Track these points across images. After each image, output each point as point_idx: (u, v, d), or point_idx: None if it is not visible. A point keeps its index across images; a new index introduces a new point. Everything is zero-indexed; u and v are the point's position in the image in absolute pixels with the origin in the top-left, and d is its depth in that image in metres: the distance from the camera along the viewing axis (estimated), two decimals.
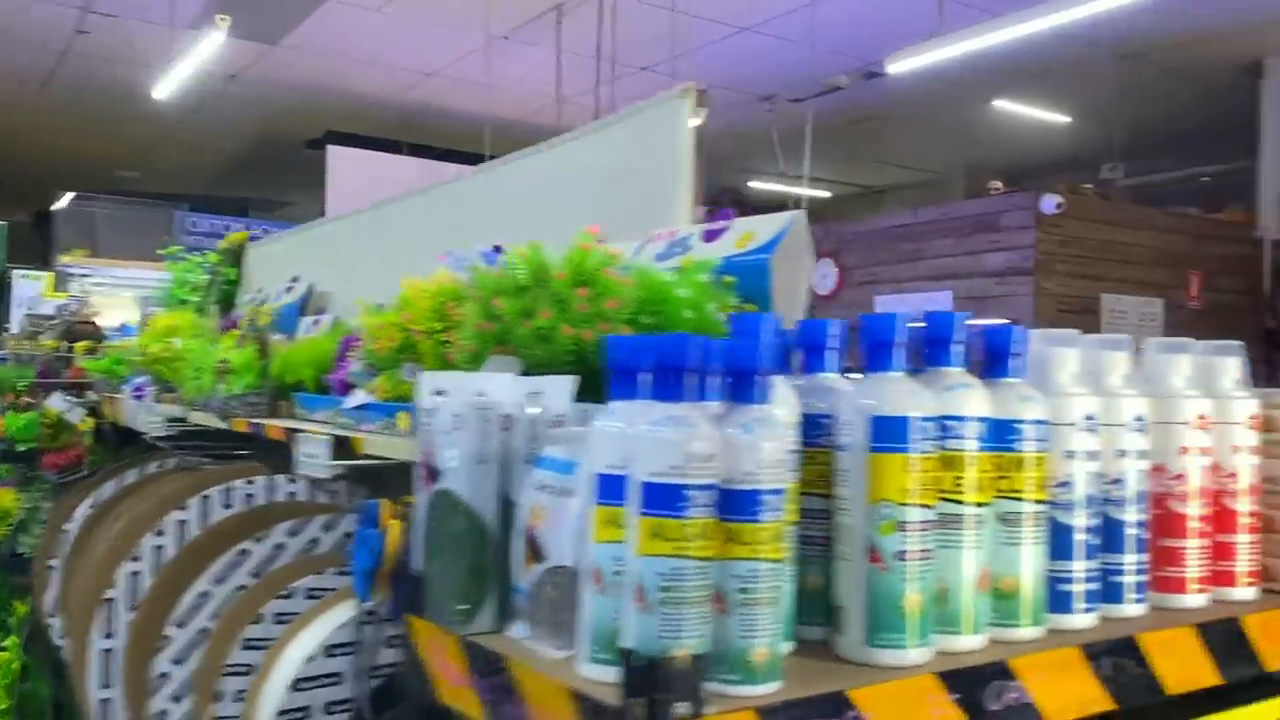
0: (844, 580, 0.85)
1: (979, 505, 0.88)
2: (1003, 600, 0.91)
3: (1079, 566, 0.96)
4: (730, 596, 0.75)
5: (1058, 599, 0.96)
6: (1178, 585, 1.05)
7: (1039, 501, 0.93)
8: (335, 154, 8.28)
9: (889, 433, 0.83)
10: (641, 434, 0.73)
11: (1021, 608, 0.91)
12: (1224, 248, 6.39)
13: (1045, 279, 5.57)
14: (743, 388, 0.77)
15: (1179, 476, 1.05)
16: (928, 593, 0.84)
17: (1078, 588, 0.96)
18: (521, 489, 0.90)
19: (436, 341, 1.25)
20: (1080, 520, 0.97)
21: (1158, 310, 5.99)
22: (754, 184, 10.48)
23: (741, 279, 1.18)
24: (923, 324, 0.91)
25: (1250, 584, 1.09)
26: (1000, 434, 0.91)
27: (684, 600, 0.72)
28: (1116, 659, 0.93)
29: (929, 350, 0.91)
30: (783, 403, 0.85)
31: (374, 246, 2.35)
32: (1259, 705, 1.07)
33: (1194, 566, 1.06)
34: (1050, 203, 5.52)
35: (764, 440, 0.75)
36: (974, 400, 0.88)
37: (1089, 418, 0.97)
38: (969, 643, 0.88)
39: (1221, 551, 1.08)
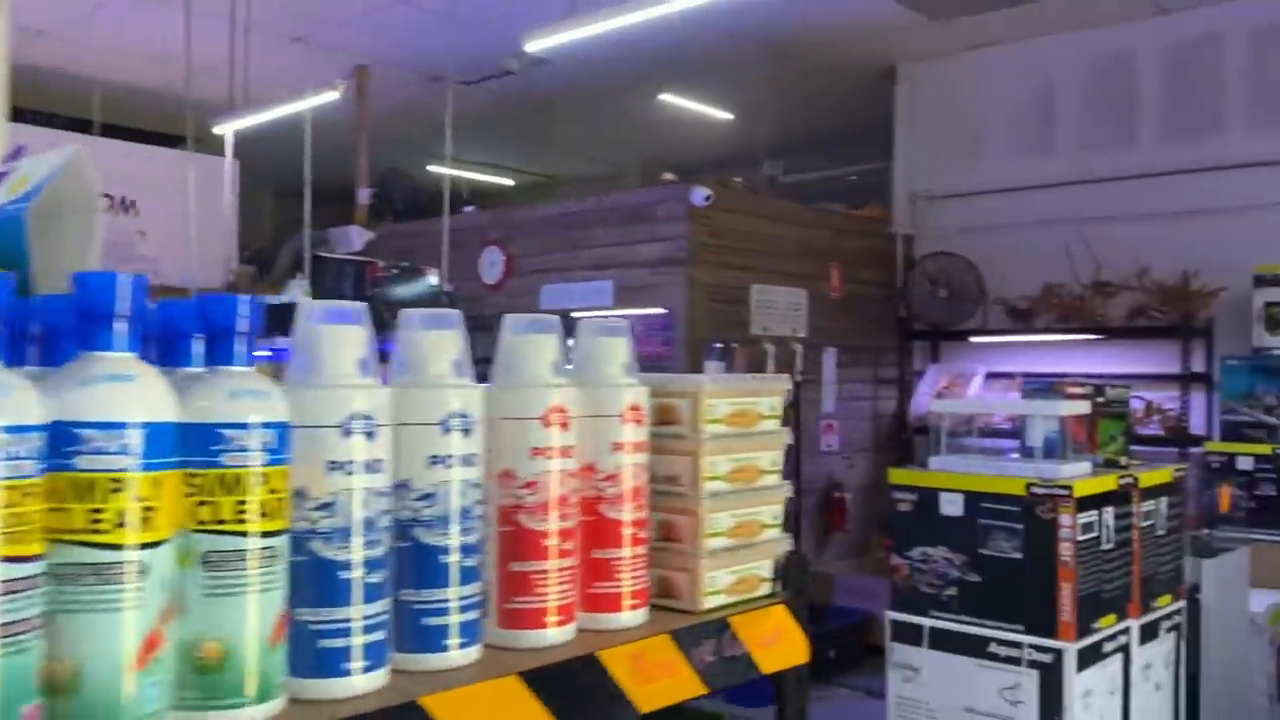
0: None
1: (146, 546, 0.63)
2: (209, 674, 0.66)
3: (355, 614, 0.74)
4: None
5: (323, 659, 0.72)
6: (533, 619, 0.86)
7: (271, 533, 0.69)
8: None
9: None
10: None
11: (243, 680, 0.67)
12: (862, 242, 6.76)
13: (696, 269, 5.62)
14: None
15: (531, 484, 0.85)
16: (23, 682, 0.57)
17: (356, 641, 0.73)
18: None
19: None
20: (355, 553, 0.74)
21: (802, 300, 6.24)
22: (433, 169, 10.08)
23: None
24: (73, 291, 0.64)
25: (636, 606, 0.92)
26: (196, 443, 0.66)
27: None
28: None
29: (80, 330, 0.64)
30: None
31: None
32: None
33: (554, 593, 0.86)
34: (699, 195, 5.58)
35: None
36: (134, 398, 0.62)
37: (364, 417, 0.74)
38: None
39: (598, 570, 0.90)
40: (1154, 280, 5.80)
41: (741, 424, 0.99)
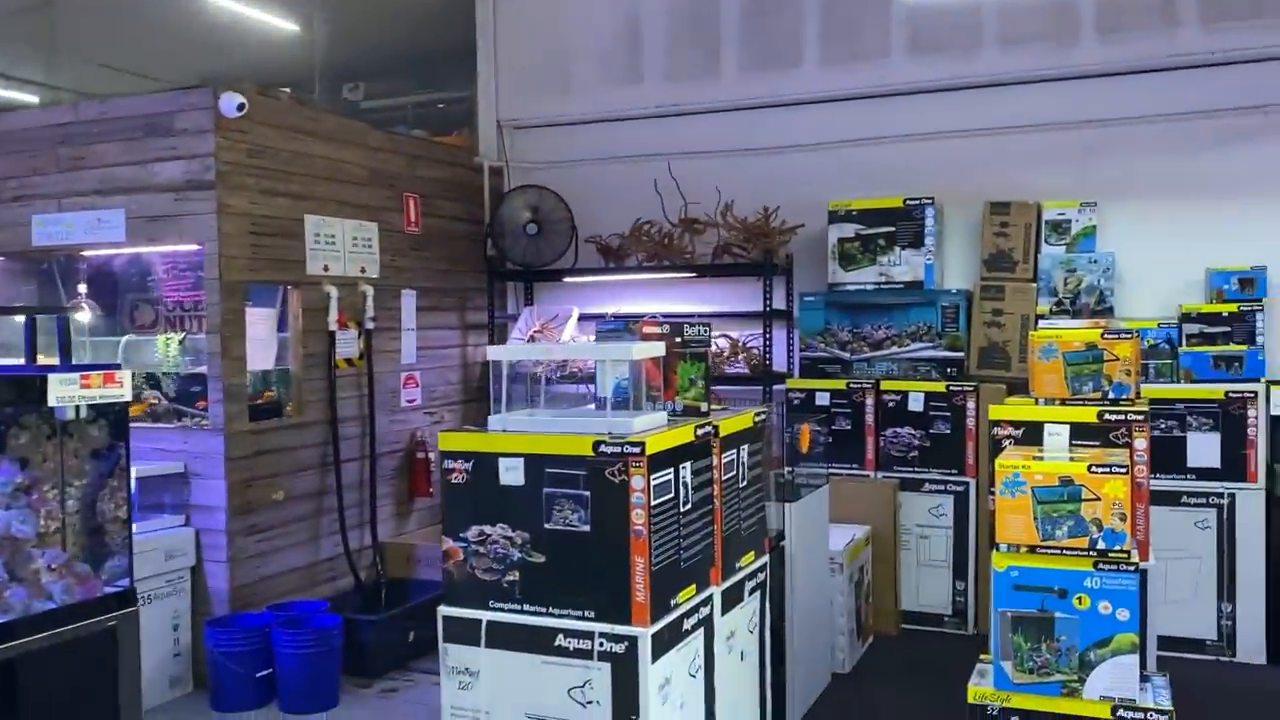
0: None
1: None
2: None
3: None
4: None
5: None
6: None
7: None
8: None
9: None
10: None
11: None
12: (444, 172, 6.06)
13: (232, 196, 4.62)
14: None
15: None
16: None
17: None
18: None
19: None
20: None
21: (373, 235, 5.42)
22: None
23: None
24: None
25: None
26: None
27: None
28: None
29: None
30: None
31: None
32: None
33: None
34: (231, 103, 4.56)
35: None
36: None
37: None
38: None
39: None
40: (737, 217, 5.64)
41: None
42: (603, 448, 2.65)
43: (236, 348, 4.60)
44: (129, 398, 3.02)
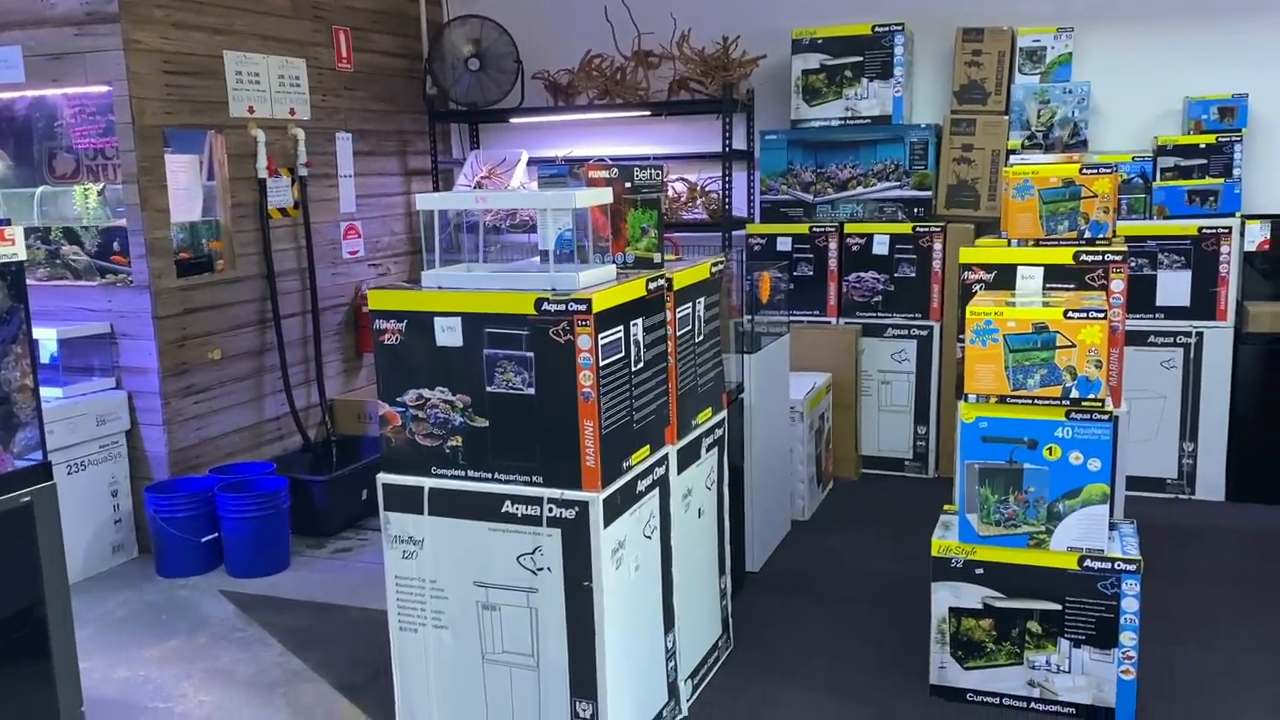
0: None
1: None
2: None
3: None
4: None
5: None
6: None
7: None
8: None
9: None
10: None
11: None
12: (376, 2, 5.57)
13: (139, 30, 4.19)
14: None
15: None
16: None
17: None
18: None
19: None
20: None
21: (301, 73, 5.01)
22: None
23: None
24: None
25: None
26: None
27: None
28: None
29: None
30: None
31: None
32: None
33: None
34: None
35: None
36: None
37: None
38: None
39: None
40: (694, 48, 5.27)
41: None
42: (545, 305, 2.44)
43: (158, 198, 4.27)
44: (23, 256, 2.74)
